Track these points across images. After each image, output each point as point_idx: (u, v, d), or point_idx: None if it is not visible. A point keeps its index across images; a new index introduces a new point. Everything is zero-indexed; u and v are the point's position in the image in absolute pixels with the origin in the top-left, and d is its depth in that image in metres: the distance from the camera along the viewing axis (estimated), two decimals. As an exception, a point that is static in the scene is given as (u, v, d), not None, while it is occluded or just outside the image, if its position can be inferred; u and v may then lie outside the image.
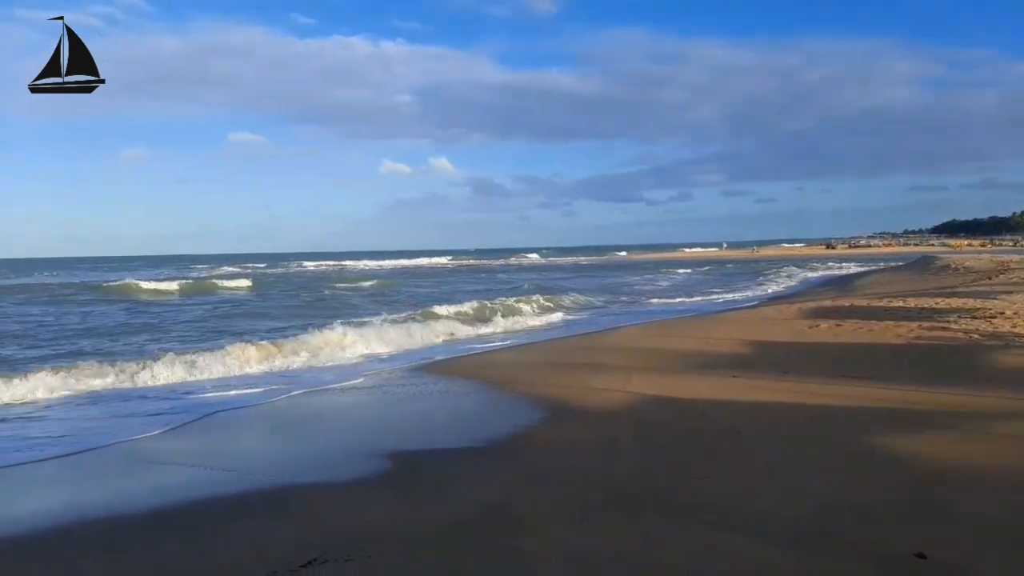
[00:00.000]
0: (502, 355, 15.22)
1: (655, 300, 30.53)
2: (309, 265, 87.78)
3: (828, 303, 21.22)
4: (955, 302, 18.23)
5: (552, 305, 26.68)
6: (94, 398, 11.07)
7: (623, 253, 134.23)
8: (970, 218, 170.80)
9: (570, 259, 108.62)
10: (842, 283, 36.83)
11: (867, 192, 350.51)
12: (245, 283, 45.74)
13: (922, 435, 7.00)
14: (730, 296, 31.88)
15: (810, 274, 48.64)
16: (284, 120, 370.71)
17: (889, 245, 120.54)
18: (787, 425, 7.78)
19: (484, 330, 19.88)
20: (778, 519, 5.06)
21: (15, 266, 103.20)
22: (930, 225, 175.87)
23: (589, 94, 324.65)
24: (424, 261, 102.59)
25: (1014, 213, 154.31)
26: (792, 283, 40.05)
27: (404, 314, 22.03)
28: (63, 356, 15.31)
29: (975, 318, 15.04)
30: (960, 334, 13.25)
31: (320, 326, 17.60)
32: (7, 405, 10.53)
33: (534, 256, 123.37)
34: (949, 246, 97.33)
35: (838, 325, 15.51)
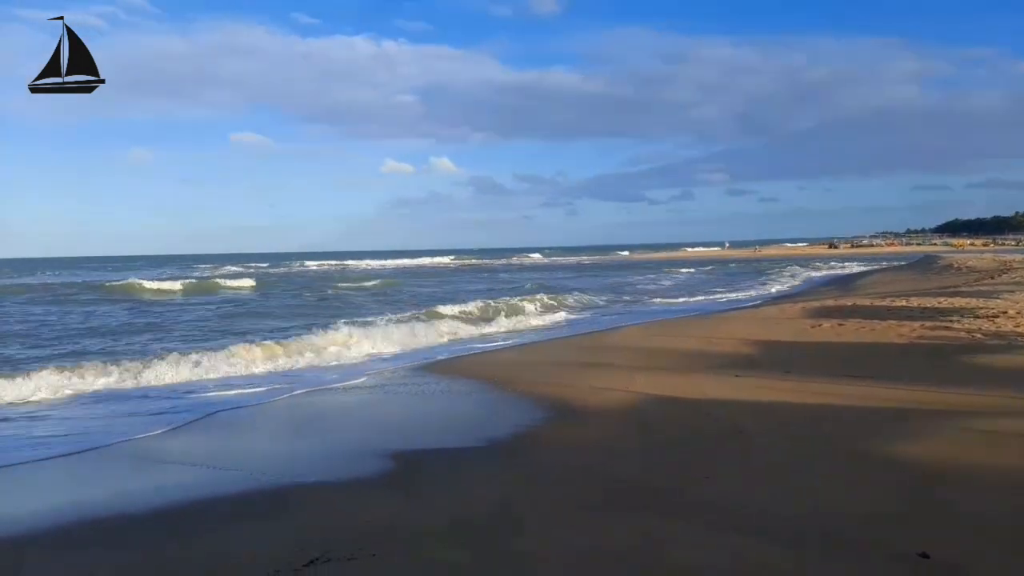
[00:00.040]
0: (505, 354, 15.23)
1: (658, 300, 30.51)
2: (311, 264, 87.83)
3: (831, 302, 21.20)
4: (958, 301, 18.20)
5: (555, 304, 26.74)
6: (97, 397, 11.09)
7: (625, 253, 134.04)
8: (973, 218, 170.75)
9: (572, 259, 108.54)
10: (845, 282, 36.77)
11: (870, 191, 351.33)
12: (249, 283, 45.80)
13: (925, 434, 7.00)
14: (733, 295, 31.84)
15: (813, 273, 48.57)
16: (287, 120, 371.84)
17: (892, 244, 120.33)
18: (789, 425, 7.77)
19: (487, 330, 19.89)
20: (780, 519, 5.06)
21: (18, 265, 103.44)
22: (933, 225, 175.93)
23: (592, 94, 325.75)
24: (426, 261, 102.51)
25: (1017, 212, 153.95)
26: (795, 282, 39.97)
27: (408, 314, 22.08)
28: (66, 356, 15.35)
29: (978, 317, 15.03)
30: (963, 333, 13.23)
31: (324, 326, 17.63)
32: (11, 404, 10.56)
33: (536, 256, 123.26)
34: (952, 245, 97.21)
35: (841, 325, 15.49)
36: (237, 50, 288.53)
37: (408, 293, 37.50)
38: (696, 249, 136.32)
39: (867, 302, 19.77)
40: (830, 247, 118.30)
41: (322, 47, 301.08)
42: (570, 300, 28.50)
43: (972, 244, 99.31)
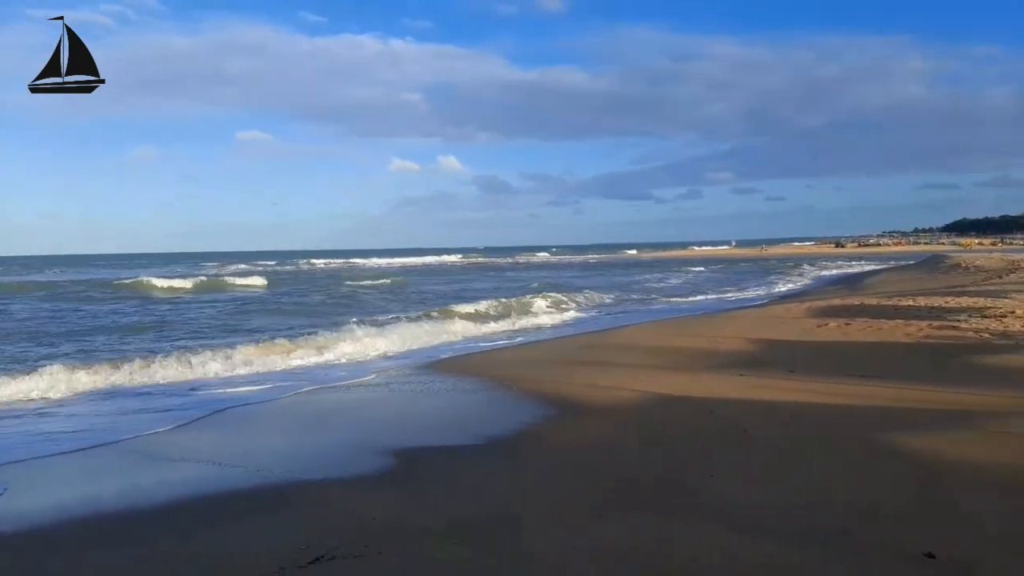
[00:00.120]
0: (512, 353, 15.25)
1: (666, 298, 30.52)
2: (318, 263, 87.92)
3: (837, 302, 21.14)
4: (965, 301, 18.13)
5: (565, 302, 26.83)
6: (105, 394, 11.17)
7: (633, 251, 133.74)
8: (981, 217, 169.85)
9: (579, 257, 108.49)
10: (852, 282, 36.65)
11: (878, 190, 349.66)
12: (260, 281, 45.87)
13: (931, 434, 6.98)
14: (740, 294, 31.82)
15: (820, 272, 48.46)
16: (293, 118, 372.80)
17: (899, 244, 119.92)
18: (794, 424, 7.77)
19: (496, 328, 19.91)
20: (784, 518, 5.06)
21: (27, 263, 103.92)
22: (941, 224, 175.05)
23: (599, 92, 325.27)
24: (433, 259, 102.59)
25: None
26: (804, 281, 39.93)
27: (419, 312, 22.19)
28: (76, 353, 15.45)
29: (985, 317, 14.97)
30: (970, 333, 13.19)
31: (336, 324, 17.72)
32: (21, 401, 10.64)
33: (543, 254, 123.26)
34: (959, 245, 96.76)
35: (847, 324, 15.46)
36: (244, 48, 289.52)
37: (418, 291, 37.59)
38: (702, 248, 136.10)
39: (874, 301, 19.71)
40: (837, 246, 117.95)
41: (328, 45, 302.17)
42: (580, 298, 28.55)
43: (980, 243, 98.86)
